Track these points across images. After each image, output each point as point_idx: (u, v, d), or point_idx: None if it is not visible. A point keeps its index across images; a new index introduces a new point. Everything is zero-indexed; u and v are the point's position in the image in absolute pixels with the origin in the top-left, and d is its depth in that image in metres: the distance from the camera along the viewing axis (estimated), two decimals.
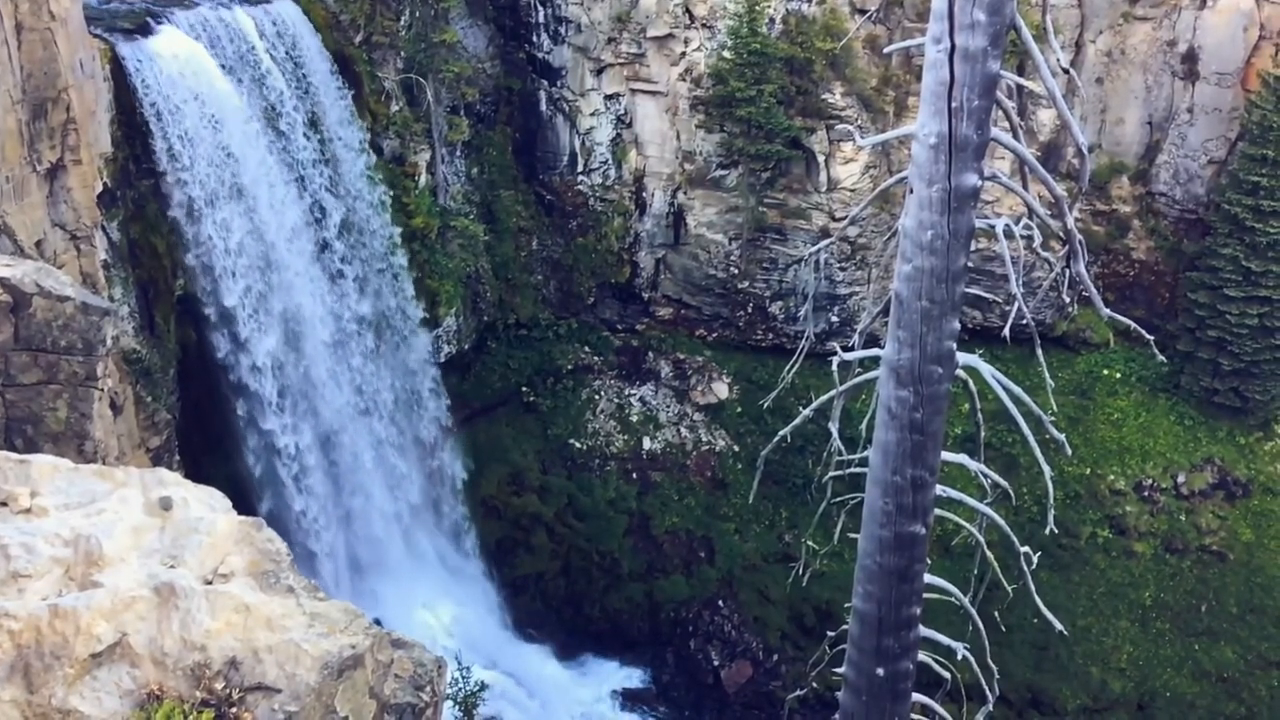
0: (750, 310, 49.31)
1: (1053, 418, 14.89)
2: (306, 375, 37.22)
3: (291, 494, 36.40)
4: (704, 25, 45.35)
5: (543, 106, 47.89)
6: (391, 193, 40.35)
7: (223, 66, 32.65)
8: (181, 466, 29.98)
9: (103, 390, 20.34)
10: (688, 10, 45.32)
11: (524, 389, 48.40)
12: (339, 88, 38.01)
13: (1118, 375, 48.29)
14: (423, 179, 42.96)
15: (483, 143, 47.05)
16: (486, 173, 47.37)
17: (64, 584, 8.86)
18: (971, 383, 14.66)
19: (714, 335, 50.22)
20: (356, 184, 38.93)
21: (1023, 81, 13.06)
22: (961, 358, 13.70)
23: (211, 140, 32.13)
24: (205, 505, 10.03)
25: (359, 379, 39.86)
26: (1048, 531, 16.01)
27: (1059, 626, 16.64)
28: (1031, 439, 14.82)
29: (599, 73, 47.00)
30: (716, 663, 44.21)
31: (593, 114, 47.65)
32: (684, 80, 46.20)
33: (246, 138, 33.74)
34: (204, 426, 34.18)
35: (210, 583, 9.19)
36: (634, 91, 47.12)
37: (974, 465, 15.39)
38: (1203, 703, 42.61)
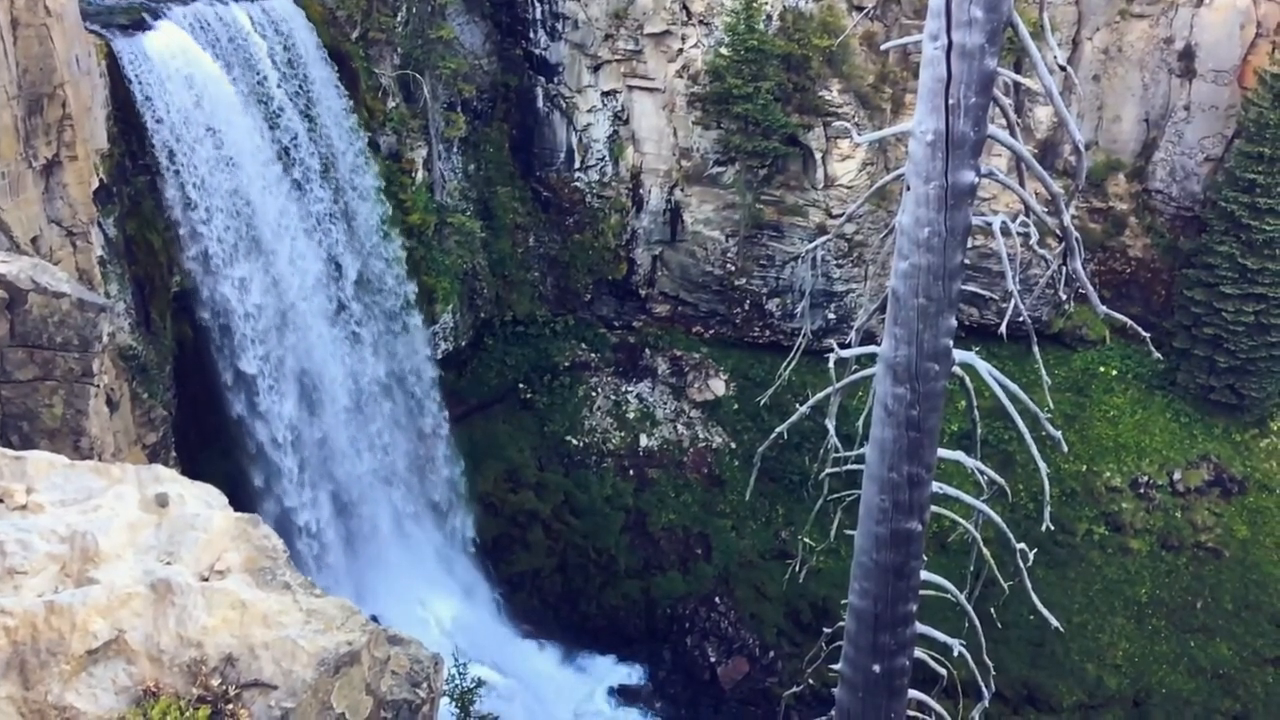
0: (747, 307, 49.31)
1: (1049, 415, 14.91)
2: (326, 441, 36.85)
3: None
4: (701, 22, 45.32)
5: (540, 103, 47.84)
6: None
7: (233, 82, 31.90)
8: (178, 463, 29.95)
9: (99, 387, 20.32)
10: (685, 7, 45.28)
11: (521, 386, 48.39)
12: (352, 128, 37.15)
13: (1114, 372, 48.34)
14: (419, 175, 42.94)
15: (480, 139, 47.01)
16: (483, 169, 47.33)
17: (60, 580, 8.85)
18: (968, 380, 14.66)
19: (711, 332, 50.22)
20: (371, 238, 38.34)
21: (1020, 79, 13.06)
22: (958, 355, 13.70)
23: (228, 184, 31.42)
24: (202, 502, 10.02)
25: (377, 443, 39.57)
26: (1044, 528, 16.01)
27: (1055, 623, 16.65)
28: (1028, 436, 14.84)
29: (596, 69, 46.95)
30: (713, 659, 44.24)
31: (590, 111, 47.61)
32: (681, 77, 46.17)
33: (267, 184, 32.91)
34: (200, 423, 34.16)
35: (206, 579, 9.18)
36: (631, 88, 47.08)
37: (970, 462, 15.40)
38: (1198, 699, 42.70)
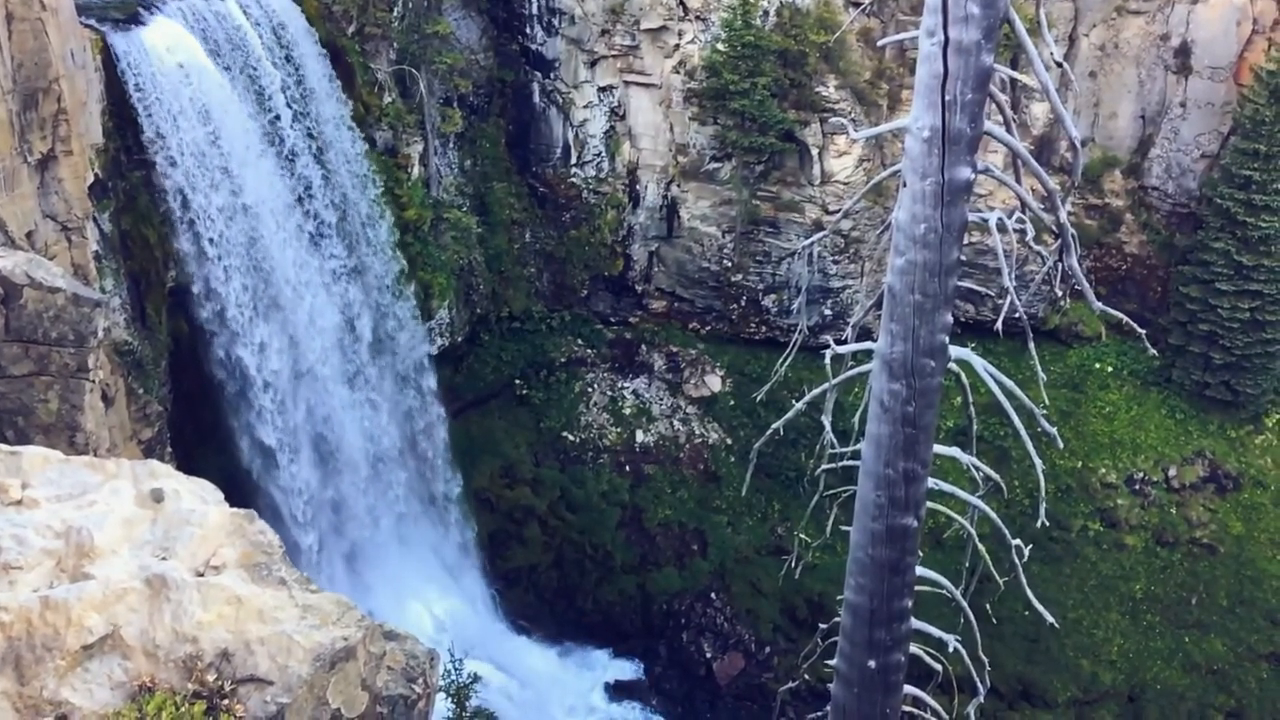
0: (743, 303, 49.31)
1: (1044, 411, 14.94)
2: (342, 503, 37.01)
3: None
4: (698, 17, 45.27)
5: (536, 99, 47.79)
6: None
7: (250, 119, 31.18)
8: (173, 458, 29.88)
9: (94, 382, 20.31)
10: (682, 3, 45.22)
11: (517, 381, 48.37)
12: (365, 175, 36.34)
13: (1109, 369, 48.41)
14: (415, 171, 42.87)
15: (476, 135, 46.93)
16: (479, 165, 47.26)
17: (55, 576, 8.85)
18: (964, 376, 14.69)
19: (707, 328, 50.21)
20: (385, 297, 38.05)
21: (1016, 75, 13.06)
22: (954, 351, 13.73)
23: (245, 231, 30.63)
24: (197, 497, 10.01)
25: (392, 499, 39.86)
26: (1039, 524, 16.06)
27: (1050, 619, 16.70)
28: (1023, 432, 14.87)
29: (592, 65, 46.89)
30: (709, 655, 44.28)
31: (586, 106, 47.55)
32: (677, 73, 46.13)
33: (287, 236, 32.39)
34: (196, 418, 34.11)
35: (202, 575, 9.18)
36: (627, 84, 47.02)
37: (966, 458, 15.43)
38: (1192, 695, 42.80)
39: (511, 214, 48.34)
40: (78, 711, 8.26)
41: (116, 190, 29.76)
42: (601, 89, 47.29)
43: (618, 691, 43.80)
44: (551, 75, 47.35)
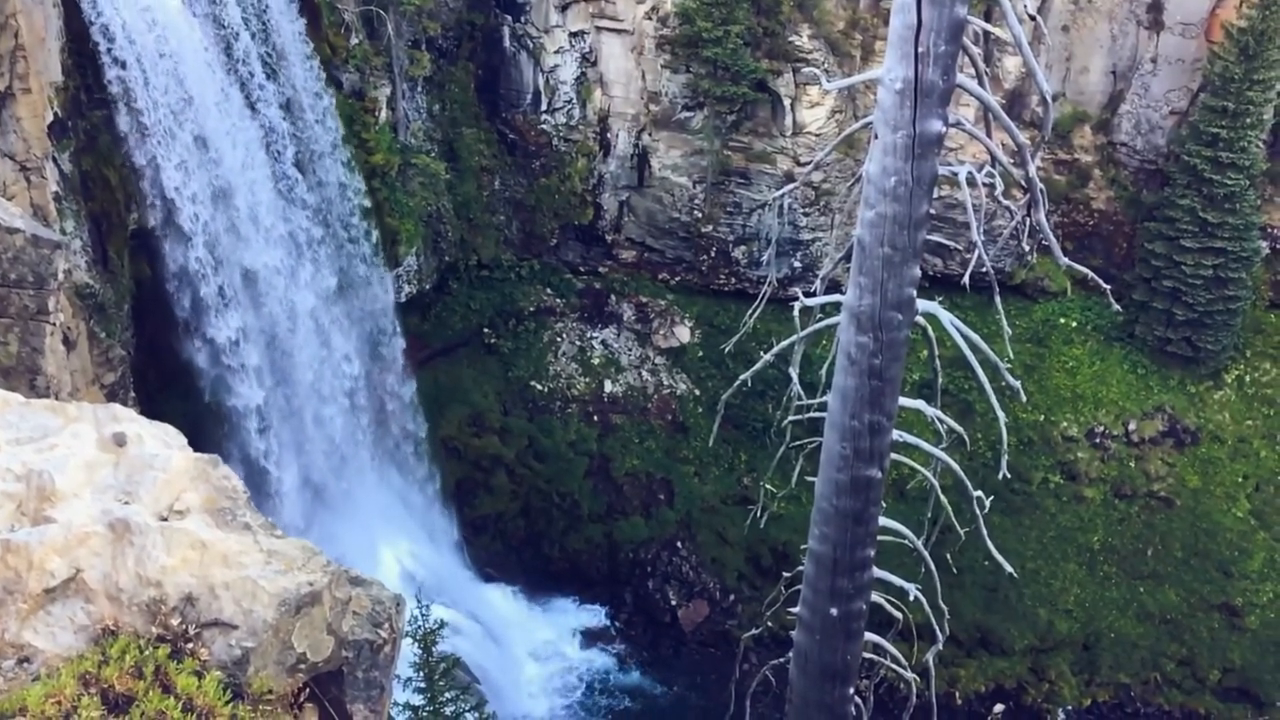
0: (713, 254, 49.23)
1: (1009, 365, 15.09)
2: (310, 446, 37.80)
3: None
4: None
5: (506, 43, 47.09)
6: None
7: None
8: (137, 403, 29.62)
9: (55, 325, 20.03)
10: None
11: (485, 330, 48.18)
12: (325, 106, 36.60)
13: (1074, 324, 48.86)
14: (383, 115, 42.22)
15: (444, 79, 46.22)
16: (448, 110, 46.62)
17: (16, 519, 8.77)
18: (930, 329, 14.78)
19: (677, 279, 50.13)
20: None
21: (989, 27, 13.01)
22: (921, 304, 13.80)
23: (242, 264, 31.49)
24: (160, 441, 9.92)
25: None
26: (1001, 476, 16.28)
27: (1009, 569, 17.01)
28: (988, 385, 15.02)
29: (564, 9, 46.21)
30: (674, 602, 44.78)
31: (557, 51, 46.93)
32: (650, 19, 45.57)
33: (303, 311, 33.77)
34: (159, 363, 33.76)
35: (166, 519, 9.12)
36: (599, 29, 46.41)
37: (930, 411, 15.58)
38: (1145, 643, 43.82)
39: (481, 160, 47.81)
40: (40, 654, 8.23)
41: (77, 130, 29.13)
42: (573, 34, 46.64)
43: (584, 638, 44.27)
44: (522, 19, 46.62)
